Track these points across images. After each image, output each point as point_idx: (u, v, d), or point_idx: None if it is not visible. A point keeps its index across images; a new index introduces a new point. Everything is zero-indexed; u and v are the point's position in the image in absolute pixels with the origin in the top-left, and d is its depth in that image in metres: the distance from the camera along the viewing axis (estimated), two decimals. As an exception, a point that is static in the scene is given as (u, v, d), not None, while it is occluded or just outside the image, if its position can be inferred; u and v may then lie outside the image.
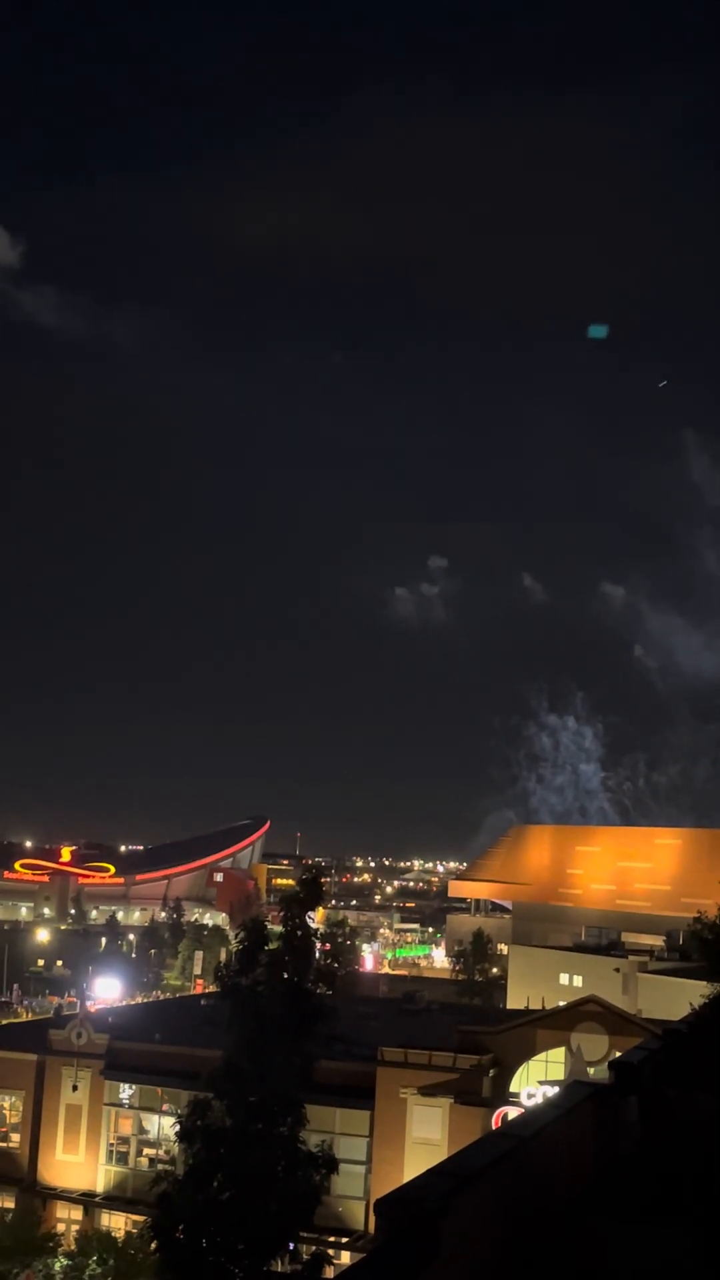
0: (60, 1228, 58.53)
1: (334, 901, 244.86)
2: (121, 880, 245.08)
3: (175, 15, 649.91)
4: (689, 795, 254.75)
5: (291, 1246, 37.32)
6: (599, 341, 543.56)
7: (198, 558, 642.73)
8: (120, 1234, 55.36)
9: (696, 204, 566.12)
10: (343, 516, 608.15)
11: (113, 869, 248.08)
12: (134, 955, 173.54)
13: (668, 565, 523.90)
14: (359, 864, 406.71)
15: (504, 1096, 55.83)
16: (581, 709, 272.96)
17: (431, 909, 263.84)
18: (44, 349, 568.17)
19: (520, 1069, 57.47)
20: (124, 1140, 61.57)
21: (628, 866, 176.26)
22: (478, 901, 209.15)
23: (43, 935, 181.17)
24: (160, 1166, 53.48)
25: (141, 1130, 61.53)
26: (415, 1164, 49.68)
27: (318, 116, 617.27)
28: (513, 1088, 56.71)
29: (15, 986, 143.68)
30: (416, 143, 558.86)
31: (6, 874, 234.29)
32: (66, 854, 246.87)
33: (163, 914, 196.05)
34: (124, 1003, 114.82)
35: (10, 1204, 60.34)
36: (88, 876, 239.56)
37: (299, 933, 40.28)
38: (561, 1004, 64.40)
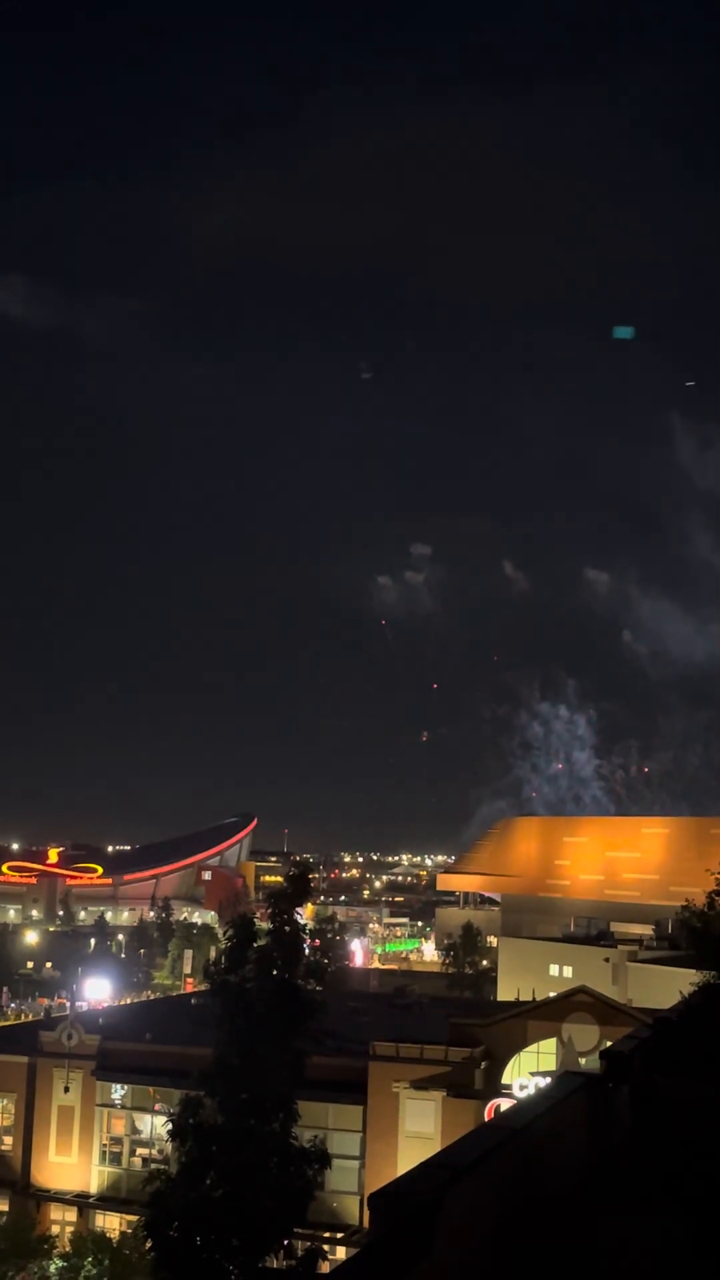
0: (55, 1229, 58.43)
1: (323, 897, 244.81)
2: (109, 881, 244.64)
3: (143, 17, 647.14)
4: (681, 782, 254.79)
5: (286, 1242, 37.35)
6: (583, 327, 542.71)
7: (175, 555, 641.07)
8: (115, 1235, 55.28)
9: (667, 191, 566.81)
10: (321, 509, 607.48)
11: (100, 869, 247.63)
12: (123, 955, 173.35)
13: (656, 550, 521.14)
14: (347, 859, 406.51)
15: (496, 1088, 55.94)
16: (573, 697, 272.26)
17: (420, 903, 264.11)
18: (13, 340, 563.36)
19: (512, 1061, 57.58)
20: (117, 1141, 61.49)
21: (615, 856, 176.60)
22: (466, 895, 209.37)
23: (31, 937, 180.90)
24: (153, 1166, 53.42)
25: (134, 1130, 61.46)
26: (409, 1158, 49.77)
27: (286, 115, 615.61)
28: (505, 1079, 56.82)
29: (5, 989, 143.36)
30: (385, 140, 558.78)
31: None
32: (54, 855, 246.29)
33: (151, 913, 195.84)
34: (114, 1003, 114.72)
35: (4, 1207, 60.22)
36: (75, 877, 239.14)
37: (287, 929, 40.30)
38: (552, 995, 64.57)
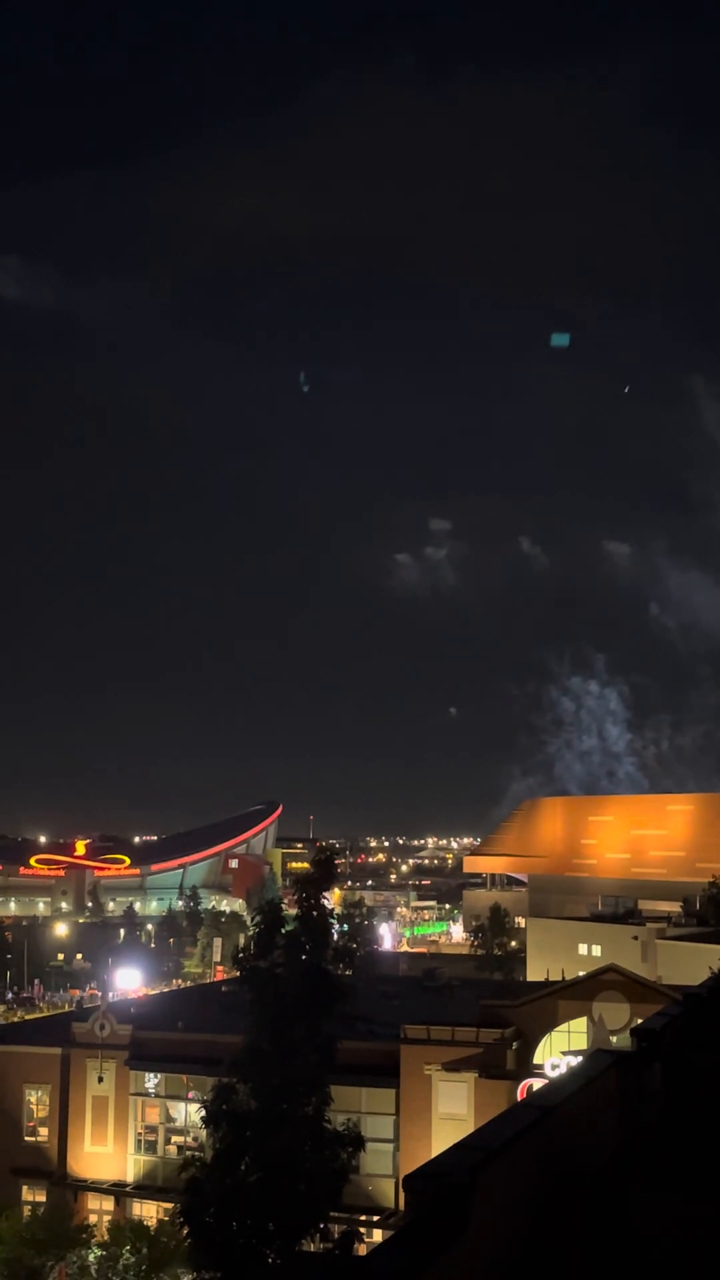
0: (92, 1219, 58.73)
1: (350, 882, 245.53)
2: (137, 871, 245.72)
3: (145, 7, 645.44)
4: (714, 756, 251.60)
5: (322, 1226, 37.47)
6: (596, 299, 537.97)
7: (190, 539, 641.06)
8: (152, 1223, 55.52)
9: (670, 156, 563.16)
10: (337, 491, 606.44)
11: (128, 860, 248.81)
12: (153, 945, 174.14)
13: (682, 519, 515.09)
14: (373, 844, 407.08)
15: (528, 1068, 55.97)
16: (602, 671, 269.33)
17: (447, 886, 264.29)
18: (14, 322, 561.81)
19: (543, 1040, 57.59)
20: (151, 1129, 61.77)
21: (641, 834, 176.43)
22: (493, 876, 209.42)
23: (61, 929, 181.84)
24: (188, 1153, 53.65)
25: (169, 1119, 61.72)
26: (442, 1139, 49.84)
27: (286, 98, 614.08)
28: (536, 1059, 56.84)
29: (36, 981, 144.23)
30: (386, 121, 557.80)
31: (23, 870, 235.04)
32: (81, 847, 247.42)
33: (180, 903, 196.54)
34: (145, 992, 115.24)
35: (42, 1197, 60.59)
36: (103, 869, 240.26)
37: (315, 913, 40.36)
38: (581, 974, 64.53)
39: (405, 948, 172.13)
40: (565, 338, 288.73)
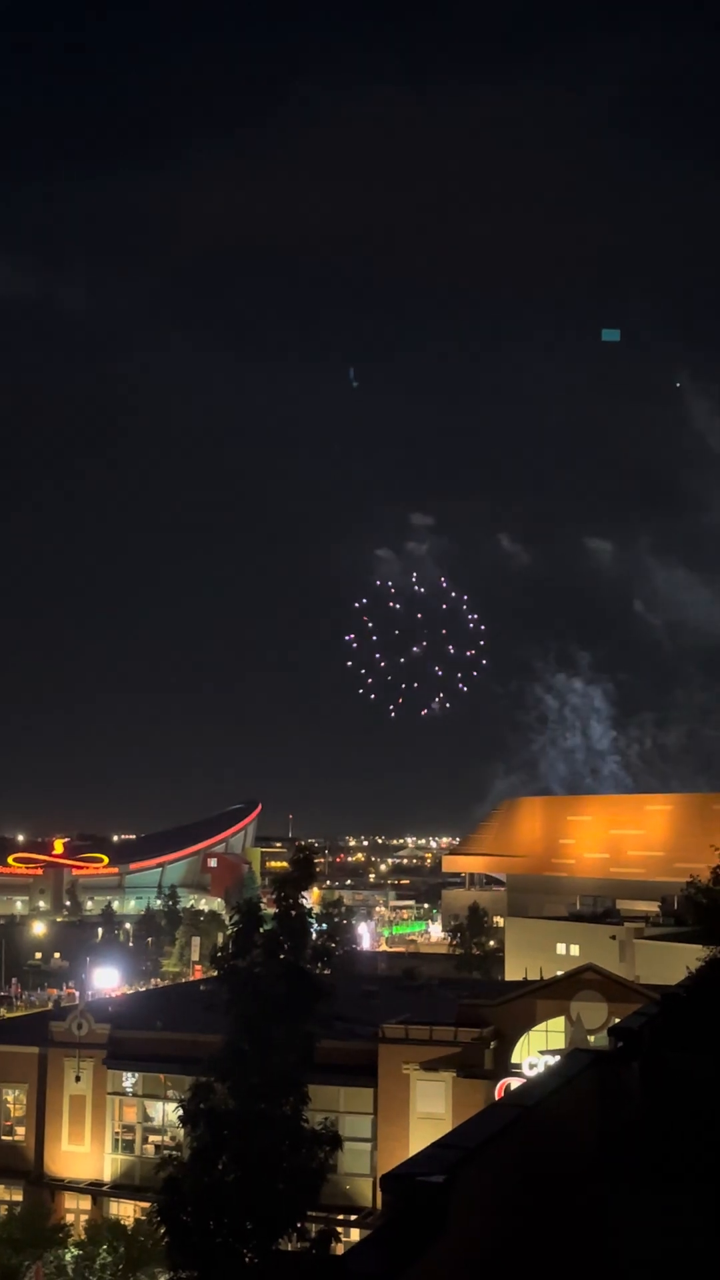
0: (69, 1218, 58.59)
1: (329, 881, 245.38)
2: (115, 870, 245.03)
3: (120, 11, 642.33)
4: (699, 756, 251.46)
5: (299, 1225, 37.48)
6: (583, 297, 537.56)
7: (174, 539, 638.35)
8: (129, 1222, 55.43)
9: (656, 156, 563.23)
10: (318, 487, 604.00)
11: (106, 859, 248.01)
12: (131, 944, 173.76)
13: (670, 517, 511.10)
14: (352, 843, 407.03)
15: (506, 1068, 56.08)
16: (586, 669, 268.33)
17: (426, 885, 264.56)
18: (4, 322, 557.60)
19: (521, 1040, 57.72)
20: (129, 1128, 61.68)
21: (620, 834, 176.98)
22: (472, 876, 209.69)
23: (39, 928, 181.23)
24: (166, 1152, 53.58)
25: (146, 1118, 61.62)
26: (420, 1139, 49.89)
27: (271, 100, 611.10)
28: (514, 1059, 56.96)
29: (14, 980, 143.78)
30: (371, 125, 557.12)
31: (0, 869, 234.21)
32: (59, 846, 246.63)
33: (158, 902, 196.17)
34: (123, 992, 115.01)
35: (19, 1197, 60.40)
36: (81, 868, 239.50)
37: (293, 913, 40.37)
38: (559, 974, 64.69)
39: (384, 947, 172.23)
40: (615, 333, 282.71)
